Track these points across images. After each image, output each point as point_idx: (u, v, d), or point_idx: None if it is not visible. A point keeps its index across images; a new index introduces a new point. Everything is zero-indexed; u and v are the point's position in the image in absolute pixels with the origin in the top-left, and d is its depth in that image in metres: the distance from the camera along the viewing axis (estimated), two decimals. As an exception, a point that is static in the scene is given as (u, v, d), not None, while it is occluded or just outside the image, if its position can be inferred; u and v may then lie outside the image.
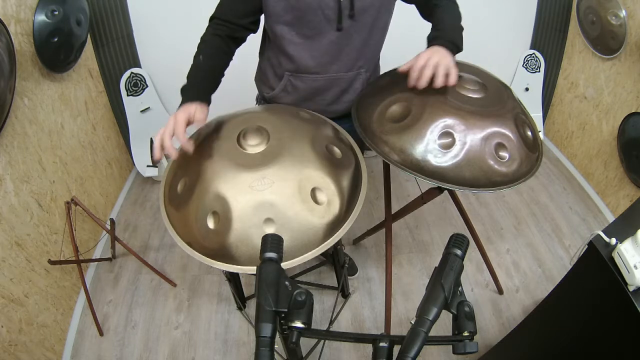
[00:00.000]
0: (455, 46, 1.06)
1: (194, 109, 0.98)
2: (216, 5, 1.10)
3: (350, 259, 1.91)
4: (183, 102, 0.99)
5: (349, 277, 1.90)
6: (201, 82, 1.04)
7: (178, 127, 0.93)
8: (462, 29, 1.15)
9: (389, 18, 1.17)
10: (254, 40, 1.20)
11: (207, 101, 1.04)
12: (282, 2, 1.03)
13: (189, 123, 0.97)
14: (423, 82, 0.99)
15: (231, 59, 1.12)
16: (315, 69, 1.15)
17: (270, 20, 1.09)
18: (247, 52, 1.21)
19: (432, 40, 1.07)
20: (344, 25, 1.07)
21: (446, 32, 1.08)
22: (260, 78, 1.31)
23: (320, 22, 1.05)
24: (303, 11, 1.03)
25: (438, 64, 0.98)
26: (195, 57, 1.06)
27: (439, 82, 0.98)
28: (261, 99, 1.35)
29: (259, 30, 1.17)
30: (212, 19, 1.10)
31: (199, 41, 1.09)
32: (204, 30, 1.11)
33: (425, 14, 1.24)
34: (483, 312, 1.76)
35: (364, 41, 1.13)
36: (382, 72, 1.34)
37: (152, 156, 2.45)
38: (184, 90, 1.02)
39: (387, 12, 1.14)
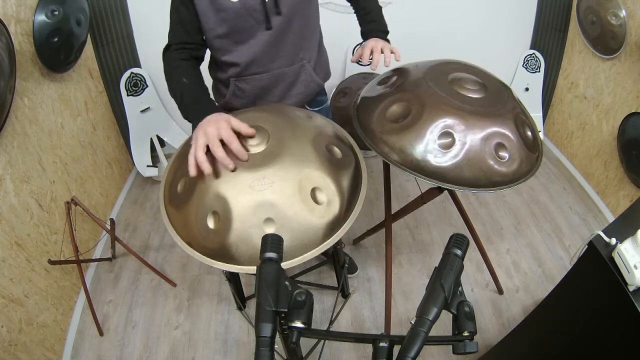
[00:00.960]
0: (386, 33, 1.28)
1: (227, 116, 0.92)
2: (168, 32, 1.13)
3: (350, 258, 1.91)
4: (202, 116, 0.93)
5: (348, 275, 1.90)
6: (203, 96, 1.04)
7: (225, 133, 0.87)
8: (381, 9, 1.31)
9: (316, 4, 1.23)
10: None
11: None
12: (213, 17, 1.08)
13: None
14: (375, 64, 1.19)
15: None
16: (255, 69, 1.19)
17: (207, 35, 1.14)
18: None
19: (368, 34, 1.26)
20: (273, 24, 1.11)
21: (377, 24, 1.28)
22: (214, 90, 1.36)
23: (252, 26, 1.10)
24: (234, 20, 1.08)
25: (383, 48, 1.18)
26: (176, 83, 1.06)
27: (387, 60, 1.18)
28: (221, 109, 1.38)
29: None
30: (167, 48, 1.13)
31: (170, 70, 1.09)
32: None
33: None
34: (483, 312, 1.76)
35: (298, 33, 1.18)
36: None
37: (155, 160, 2.45)
38: (192, 109, 0.99)
39: (313, 1, 1.20)
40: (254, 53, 1.15)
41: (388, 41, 1.25)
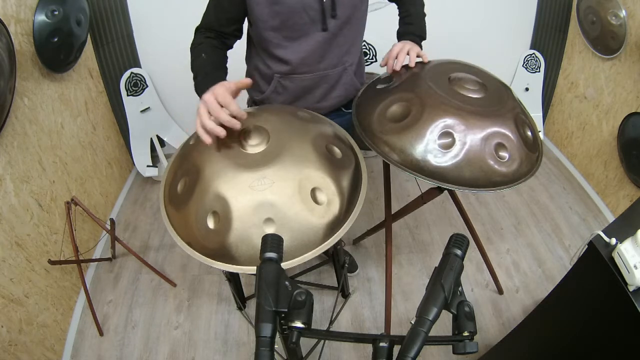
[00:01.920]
0: (422, 38, 1.27)
1: (228, 83, 0.94)
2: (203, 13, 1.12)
3: (350, 256, 1.91)
4: (206, 88, 0.94)
5: (349, 274, 1.90)
6: (214, 72, 1.03)
7: (225, 98, 0.89)
8: (425, 16, 1.31)
9: (366, 10, 1.23)
10: (238, 47, 1.23)
11: None
12: (267, 9, 1.06)
13: (234, 92, 0.94)
14: (398, 65, 1.18)
15: (227, 57, 1.15)
16: (303, 68, 1.18)
17: (257, 26, 1.12)
18: (235, 59, 1.23)
19: (403, 35, 1.25)
20: (328, 25, 1.11)
21: (414, 27, 1.26)
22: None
23: (305, 24, 1.09)
24: (288, 15, 1.07)
25: (410, 51, 1.18)
26: (195, 58, 1.06)
27: (412, 63, 1.18)
28: (252, 103, 1.38)
29: (243, 37, 1.22)
30: (198, 29, 1.12)
31: (192, 47, 1.09)
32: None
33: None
34: (483, 312, 1.76)
35: (348, 37, 1.19)
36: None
37: (155, 160, 2.45)
38: (202, 82, 0.98)
39: (365, 5, 1.20)
40: (305, 52, 1.14)
41: (420, 46, 1.24)
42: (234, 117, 0.90)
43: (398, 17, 1.33)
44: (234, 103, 0.90)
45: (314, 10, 1.07)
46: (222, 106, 0.90)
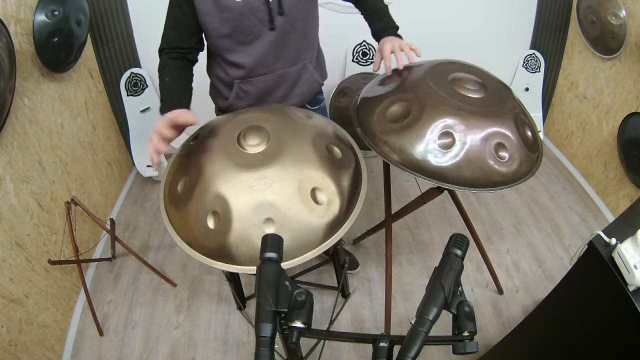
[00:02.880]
0: (396, 28, 1.26)
1: (174, 114, 1.00)
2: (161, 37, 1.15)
3: (351, 255, 1.92)
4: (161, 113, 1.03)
5: (350, 272, 1.90)
6: (174, 97, 1.08)
7: (160, 127, 0.97)
8: (387, 6, 1.30)
9: (316, 6, 1.24)
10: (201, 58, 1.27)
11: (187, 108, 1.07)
12: (216, 17, 1.08)
13: (176, 125, 1.00)
14: (401, 63, 1.18)
15: (192, 76, 1.18)
16: (260, 70, 1.20)
17: (210, 36, 1.15)
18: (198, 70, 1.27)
19: (382, 32, 1.24)
20: (276, 24, 1.12)
21: (388, 20, 1.26)
22: (214, 92, 1.36)
23: (255, 26, 1.11)
24: (237, 20, 1.09)
25: (401, 46, 1.17)
26: (161, 82, 1.10)
27: (411, 58, 1.18)
28: (218, 111, 1.40)
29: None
30: (161, 51, 1.15)
31: (158, 70, 1.13)
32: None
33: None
34: (483, 312, 1.76)
35: (300, 34, 1.20)
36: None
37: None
38: (161, 110, 1.04)
39: (314, 1, 1.22)
40: (258, 54, 1.16)
41: (400, 37, 1.24)
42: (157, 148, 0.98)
43: (363, 15, 1.31)
44: (156, 138, 0.97)
45: (262, 12, 1.09)
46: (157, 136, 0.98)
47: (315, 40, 1.30)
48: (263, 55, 1.16)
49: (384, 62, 1.18)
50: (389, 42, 1.18)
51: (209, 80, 1.36)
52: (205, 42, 1.21)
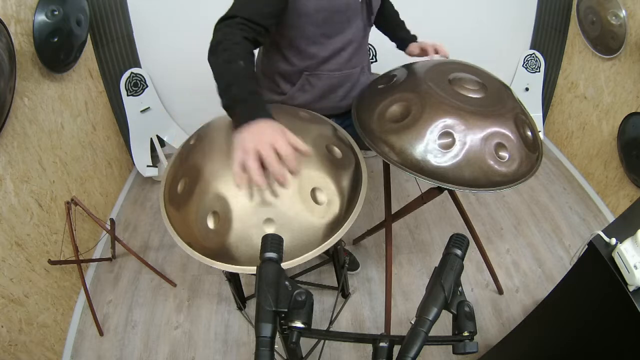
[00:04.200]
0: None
1: (283, 128, 0.79)
2: (232, 3, 0.99)
3: (351, 254, 1.92)
4: (252, 118, 0.78)
5: (350, 272, 1.90)
6: (259, 93, 0.86)
7: (280, 143, 0.75)
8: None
9: None
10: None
11: None
12: (312, 2, 1.04)
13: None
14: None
15: None
16: (333, 66, 1.20)
17: (301, 20, 1.06)
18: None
19: (410, 39, 1.40)
20: (362, 25, 1.16)
21: (407, 31, 1.44)
22: (267, 86, 1.28)
23: (343, 22, 1.12)
24: (332, 12, 1.08)
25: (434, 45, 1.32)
26: (228, 63, 0.88)
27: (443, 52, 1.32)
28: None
29: None
30: (231, 17, 0.94)
31: (225, 42, 0.90)
32: (211, 30, 0.95)
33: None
34: (483, 312, 1.76)
35: (367, 39, 1.27)
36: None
37: (155, 160, 2.45)
38: (243, 105, 0.82)
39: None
40: (339, 49, 1.17)
41: None
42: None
43: (387, 29, 1.44)
44: (293, 160, 0.75)
45: (355, 11, 1.11)
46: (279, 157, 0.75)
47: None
48: (341, 51, 1.17)
49: (429, 50, 1.31)
50: (422, 42, 1.35)
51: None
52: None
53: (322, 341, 1.52)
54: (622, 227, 0.90)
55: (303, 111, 1.18)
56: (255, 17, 0.95)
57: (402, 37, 1.41)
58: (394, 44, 1.46)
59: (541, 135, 2.62)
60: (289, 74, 1.22)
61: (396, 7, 1.45)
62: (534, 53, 2.48)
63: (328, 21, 1.09)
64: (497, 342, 1.40)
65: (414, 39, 1.40)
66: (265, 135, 0.75)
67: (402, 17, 1.46)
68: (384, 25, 1.44)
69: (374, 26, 1.39)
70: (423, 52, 1.34)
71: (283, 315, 0.64)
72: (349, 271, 1.89)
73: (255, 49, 0.98)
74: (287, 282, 0.66)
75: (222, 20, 0.95)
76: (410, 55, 1.39)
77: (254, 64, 0.94)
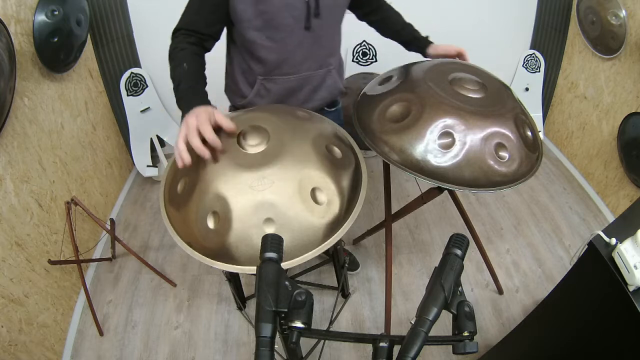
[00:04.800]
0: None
1: (211, 110, 0.92)
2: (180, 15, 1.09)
3: (351, 254, 1.92)
4: (190, 107, 0.93)
5: (350, 272, 1.90)
6: (198, 86, 1.01)
7: (203, 125, 0.88)
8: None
9: (344, 14, 1.25)
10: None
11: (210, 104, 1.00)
12: (250, 8, 1.05)
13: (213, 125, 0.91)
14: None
15: (205, 66, 1.12)
16: (287, 70, 1.18)
17: (241, 26, 1.10)
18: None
19: (425, 45, 1.32)
20: (311, 25, 1.11)
21: (418, 32, 1.36)
22: (231, 89, 1.32)
23: (289, 23, 1.09)
24: (272, 14, 1.06)
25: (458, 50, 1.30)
26: (176, 67, 1.03)
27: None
28: (233, 109, 1.37)
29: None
30: (177, 30, 1.09)
31: (173, 52, 1.06)
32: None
33: (367, 12, 1.35)
34: (483, 312, 1.76)
35: (330, 39, 1.21)
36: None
37: (155, 160, 2.45)
38: (184, 98, 0.97)
39: (344, 8, 1.22)
40: (287, 52, 1.14)
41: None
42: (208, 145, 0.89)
43: (392, 32, 1.37)
44: (210, 132, 0.89)
45: (298, 10, 1.07)
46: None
47: (339, 47, 1.30)
48: (292, 54, 1.15)
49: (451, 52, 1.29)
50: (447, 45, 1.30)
51: (221, 72, 1.32)
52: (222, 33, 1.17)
53: (322, 341, 1.52)
54: (622, 227, 0.91)
55: (303, 111, 1.18)
56: (197, 28, 1.08)
57: (418, 37, 1.34)
58: (394, 44, 1.41)
59: (541, 135, 2.62)
60: (248, 78, 1.23)
61: (396, 8, 1.41)
62: (534, 53, 2.48)
63: (270, 24, 1.08)
64: (497, 342, 1.41)
65: (427, 42, 1.33)
66: (191, 119, 0.90)
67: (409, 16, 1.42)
68: (393, 30, 1.37)
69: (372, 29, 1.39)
70: (452, 56, 1.30)
71: (283, 315, 0.64)
72: (349, 271, 1.89)
73: (204, 52, 1.12)
74: (287, 282, 0.66)
75: (173, 33, 1.10)
76: (445, 57, 1.31)
77: (201, 63, 1.08)
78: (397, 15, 1.38)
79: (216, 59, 1.23)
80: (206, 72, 1.12)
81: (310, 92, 1.25)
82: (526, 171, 1.04)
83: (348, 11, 1.32)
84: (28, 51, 1.56)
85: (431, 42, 1.32)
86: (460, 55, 1.29)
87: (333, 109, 1.41)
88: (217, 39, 1.15)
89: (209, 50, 1.14)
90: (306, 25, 1.10)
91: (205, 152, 0.88)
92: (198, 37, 1.08)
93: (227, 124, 0.93)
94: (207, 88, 1.07)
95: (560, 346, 1.09)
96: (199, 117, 0.90)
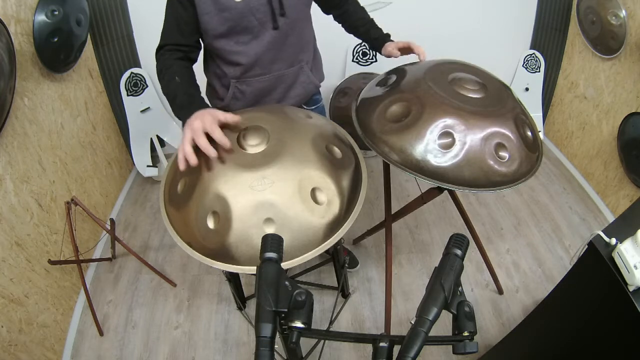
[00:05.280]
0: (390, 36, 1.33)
1: (215, 111, 0.94)
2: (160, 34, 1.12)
3: (350, 252, 1.92)
4: (192, 111, 0.95)
5: (350, 270, 1.90)
6: (197, 93, 1.04)
7: (208, 125, 0.89)
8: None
9: (310, 8, 1.26)
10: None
11: None
12: (215, 17, 1.08)
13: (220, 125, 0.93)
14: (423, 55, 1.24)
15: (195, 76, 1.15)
16: (258, 70, 1.20)
17: (208, 36, 1.13)
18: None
19: (385, 40, 1.30)
20: (278, 24, 1.12)
21: (380, 31, 1.33)
22: (210, 93, 1.36)
23: (254, 26, 1.11)
24: (236, 20, 1.08)
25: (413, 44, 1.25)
26: (168, 82, 1.05)
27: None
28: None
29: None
30: (160, 48, 1.12)
31: (162, 70, 1.08)
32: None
33: (329, 6, 1.35)
34: (483, 312, 1.76)
35: (298, 36, 1.22)
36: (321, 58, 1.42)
37: (155, 160, 2.45)
38: (184, 105, 0.99)
39: (309, 4, 1.24)
40: (256, 54, 1.16)
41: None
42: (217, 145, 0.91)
43: (353, 28, 1.36)
44: (218, 131, 0.90)
45: (262, 12, 1.09)
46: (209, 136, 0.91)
47: (311, 42, 1.31)
48: (261, 55, 1.17)
49: (415, 49, 1.23)
50: (401, 42, 1.25)
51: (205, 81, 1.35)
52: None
53: (322, 341, 1.52)
54: (622, 227, 0.90)
55: (303, 111, 1.18)
56: (179, 41, 1.11)
57: (374, 37, 1.32)
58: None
59: (541, 135, 2.62)
60: (222, 82, 1.26)
61: (397, 8, 1.42)
62: (534, 53, 2.48)
63: (236, 29, 1.10)
64: (497, 342, 1.40)
65: (387, 37, 1.31)
66: (195, 121, 0.91)
67: (402, 18, 1.44)
68: (351, 25, 1.36)
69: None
70: (405, 52, 1.25)
71: (283, 315, 0.64)
72: (349, 269, 1.89)
73: (191, 64, 1.16)
74: (287, 282, 0.66)
75: (157, 51, 1.12)
76: (390, 56, 1.28)
77: (191, 74, 1.11)
78: (359, 10, 1.35)
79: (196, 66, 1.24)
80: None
81: (284, 90, 1.27)
82: (526, 171, 1.04)
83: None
84: (28, 51, 1.56)
85: (390, 41, 1.29)
86: (409, 50, 1.24)
87: (313, 107, 1.42)
88: (200, 47, 1.19)
89: (195, 60, 1.18)
90: (274, 25, 1.12)
91: (213, 152, 0.89)
92: (182, 51, 1.12)
93: (232, 118, 0.96)
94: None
95: (560, 346, 1.09)
96: (204, 119, 0.91)
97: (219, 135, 0.90)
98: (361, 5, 1.38)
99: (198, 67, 1.25)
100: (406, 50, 1.25)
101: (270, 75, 1.22)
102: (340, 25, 1.39)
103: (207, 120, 0.91)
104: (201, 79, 1.33)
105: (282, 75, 1.24)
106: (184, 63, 1.11)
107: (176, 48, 1.11)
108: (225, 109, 1.29)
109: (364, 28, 1.33)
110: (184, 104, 1.00)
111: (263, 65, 1.19)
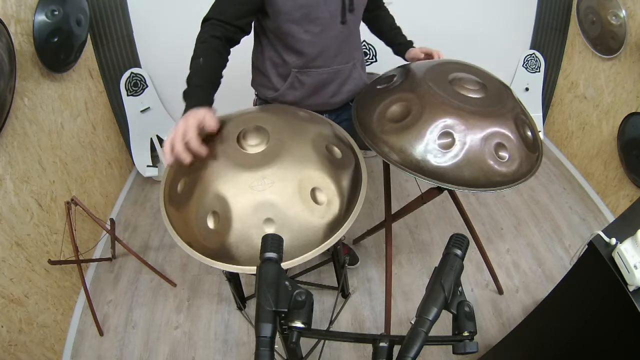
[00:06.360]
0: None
1: (203, 114, 0.92)
2: (211, 5, 1.07)
3: (350, 249, 1.92)
4: (189, 106, 0.94)
5: (350, 267, 1.90)
6: (205, 85, 0.99)
7: (190, 131, 0.88)
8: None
9: None
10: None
11: (212, 104, 0.99)
12: (290, 1, 1.06)
13: (200, 129, 0.92)
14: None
15: (227, 61, 1.10)
16: (321, 63, 1.20)
17: (278, 19, 1.10)
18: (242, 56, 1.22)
19: (408, 46, 1.38)
20: (346, 19, 1.14)
21: (405, 37, 1.41)
22: (261, 82, 1.31)
23: (325, 17, 1.11)
24: (310, 8, 1.08)
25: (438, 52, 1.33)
26: (193, 59, 1.01)
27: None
28: (260, 102, 1.37)
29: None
30: (207, 19, 1.06)
31: (196, 42, 1.04)
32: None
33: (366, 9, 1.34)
34: (483, 312, 1.76)
35: (357, 34, 1.26)
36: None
37: (155, 160, 2.45)
38: (188, 95, 0.97)
39: (365, 4, 1.25)
40: (322, 46, 1.17)
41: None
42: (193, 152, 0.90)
43: (384, 35, 1.42)
44: (194, 141, 0.89)
45: (334, 5, 1.11)
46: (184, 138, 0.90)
47: (360, 41, 1.34)
48: (326, 47, 1.17)
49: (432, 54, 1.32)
50: (425, 47, 1.33)
51: (249, 69, 1.32)
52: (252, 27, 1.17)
53: (322, 341, 1.52)
54: (622, 227, 0.90)
55: (303, 111, 1.18)
56: (227, 19, 1.04)
57: (399, 42, 1.40)
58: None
59: (541, 135, 2.62)
60: (280, 71, 1.24)
61: (397, 8, 1.44)
62: (534, 53, 2.48)
63: (307, 18, 1.10)
64: (497, 342, 1.40)
65: (411, 44, 1.39)
66: (181, 122, 0.91)
67: (402, 17, 1.45)
68: (380, 29, 1.42)
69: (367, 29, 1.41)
70: (427, 57, 1.32)
71: (283, 315, 0.64)
72: (349, 266, 1.89)
73: (230, 46, 1.09)
74: (287, 282, 0.66)
75: (203, 21, 1.06)
76: (414, 60, 1.34)
77: (219, 61, 1.04)
78: (389, 17, 1.43)
79: (243, 50, 1.19)
80: (232, 62, 1.09)
81: (339, 85, 1.28)
82: (526, 171, 1.04)
83: None
84: (28, 51, 1.56)
85: (412, 47, 1.37)
86: (431, 56, 1.32)
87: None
88: (248, 32, 1.13)
89: (237, 43, 1.11)
90: (342, 20, 1.14)
91: (186, 159, 0.88)
92: (227, 29, 1.05)
93: (209, 126, 0.93)
94: (232, 80, 1.06)
95: (560, 346, 1.09)
96: (187, 121, 0.90)
97: (193, 143, 0.89)
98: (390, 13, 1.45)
99: (240, 54, 1.18)
100: (429, 56, 1.32)
101: (330, 69, 1.23)
102: (367, 25, 1.42)
103: (190, 122, 0.91)
104: (239, 68, 1.26)
105: (340, 70, 1.25)
106: (220, 45, 1.04)
107: (221, 25, 1.04)
108: (278, 98, 1.29)
109: (391, 33, 1.40)
110: (191, 91, 0.97)
111: (326, 57, 1.20)
